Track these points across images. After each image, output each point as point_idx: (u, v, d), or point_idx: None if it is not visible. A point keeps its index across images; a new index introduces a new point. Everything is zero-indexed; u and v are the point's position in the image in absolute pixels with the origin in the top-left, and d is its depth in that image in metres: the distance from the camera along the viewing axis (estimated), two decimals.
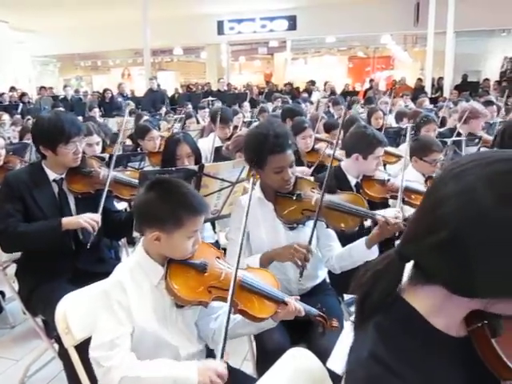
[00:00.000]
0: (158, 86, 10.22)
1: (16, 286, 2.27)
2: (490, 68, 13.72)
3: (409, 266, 0.78)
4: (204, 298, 1.41)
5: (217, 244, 2.71)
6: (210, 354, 1.57)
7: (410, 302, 0.76)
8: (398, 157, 3.53)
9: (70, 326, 1.52)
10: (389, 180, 2.51)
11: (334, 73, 15.78)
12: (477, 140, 3.88)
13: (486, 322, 0.74)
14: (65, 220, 2.04)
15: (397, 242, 0.81)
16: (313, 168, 3.30)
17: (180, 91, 13.70)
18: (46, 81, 16.15)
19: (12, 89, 12.14)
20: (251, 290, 1.47)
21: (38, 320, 2.25)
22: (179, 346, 1.44)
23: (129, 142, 4.93)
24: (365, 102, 7.54)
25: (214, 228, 2.96)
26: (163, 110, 8.55)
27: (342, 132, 3.50)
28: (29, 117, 6.78)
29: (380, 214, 1.88)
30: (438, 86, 12.23)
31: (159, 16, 12.23)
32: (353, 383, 0.74)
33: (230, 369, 1.54)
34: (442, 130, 4.40)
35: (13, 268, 2.41)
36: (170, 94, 12.13)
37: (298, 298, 1.54)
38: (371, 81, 13.15)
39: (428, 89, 11.47)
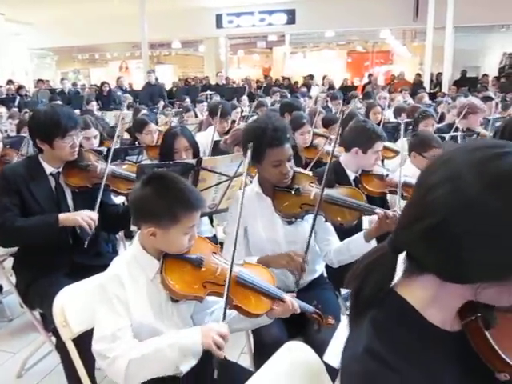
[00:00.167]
0: (156, 79, 10.18)
1: (13, 280, 2.27)
2: (488, 64, 13.71)
3: (402, 263, 0.78)
4: (199, 292, 1.41)
5: (214, 238, 2.70)
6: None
7: (403, 296, 0.76)
8: (396, 152, 3.53)
9: (68, 320, 1.52)
10: (387, 175, 2.51)
11: (332, 67, 15.75)
12: (475, 135, 3.88)
13: (479, 314, 0.75)
14: (62, 216, 2.02)
15: None
16: (311, 164, 3.29)
17: (178, 85, 13.66)
18: (43, 74, 16.08)
19: (9, 82, 12.08)
20: (247, 286, 1.47)
21: (35, 313, 2.26)
22: None
23: (126, 135, 4.91)
24: (363, 97, 7.53)
25: (211, 222, 2.96)
26: (161, 103, 8.53)
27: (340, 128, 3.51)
28: (26, 110, 6.74)
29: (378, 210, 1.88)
30: (436, 82, 12.23)
31: (157, 9, 12.18)
32: (348, 378, 0.75)
33: (228, 362, 1.55)
34: (440, 125, 4.40)
35: (10, 261, 2.40)
36: (167, 87, 12.09)
37: (295, 295, 1.54)
38: (370, 75, 13.14)
39: (427, 84, 11.47)
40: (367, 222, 2.11)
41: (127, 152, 3.28)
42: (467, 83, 11.03)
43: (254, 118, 4.21)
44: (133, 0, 11.11)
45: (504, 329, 0.77)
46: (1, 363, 2.51)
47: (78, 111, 6.30)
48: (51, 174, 2.14)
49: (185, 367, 1.42)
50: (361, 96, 7.78)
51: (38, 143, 2.10)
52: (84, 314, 1.53)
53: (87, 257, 2.16)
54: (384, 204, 2.51)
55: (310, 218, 1.92)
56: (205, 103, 7.09)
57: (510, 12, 10.82)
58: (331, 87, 11.38)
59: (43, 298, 1.96)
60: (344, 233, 1.98)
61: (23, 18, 14.53)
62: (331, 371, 1.18)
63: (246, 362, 2.08)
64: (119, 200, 3.10)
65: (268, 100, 7.26)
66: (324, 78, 12.27)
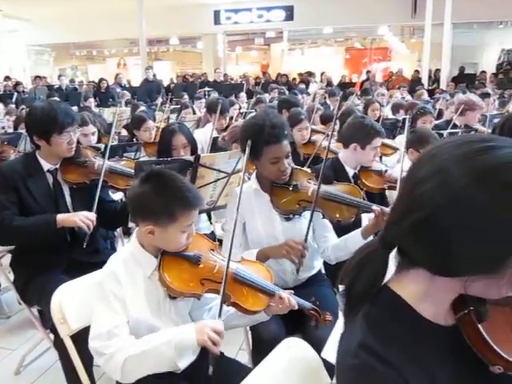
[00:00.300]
0: (154, 76, 10.14)
1: (11, 277, 2.27)
2: (486, 60, 13.71)
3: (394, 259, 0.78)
4: (197, 290, 1.41)
5: (213, 235, 2.70)
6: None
7: (396, 291, 0.77)
8: (395, 149, 3.53)
9: (66, 316, 1.52)
10: (386, 171, 2.51)
11: (330, 64, 15.74)
12: (473, 132, 3.88)
13: (471, 308, 0.76)
14: (60, 217, 2.02)
15: None
16: (310, 160, 3.29)
17: (176, 81, 13.63)
18: (40, 70, 16.01)
19: (6, 78, 12.04)
20: (244, 283, 1.47)
21: (33, 310, 2.25)
22: None
23: (124, 132, 4.90)
24: (361, 94, 7.53)
25: (209, 219, 2.96)
26: (159, 100, 8.51)
27: (337, 124, 3.51)
28: (23, 106, 6.71)
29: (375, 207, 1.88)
30: (434, 78, 12.22)
31: (155, 5, 12.13)
32: (343, 373, 0.75)
33: (226, 358, 1.55)
34: (438, 122, 4.40)
35: (8, 258, 2.40)
36: (165, 84, 12.05)
37: (292, 292, 1.54)
38: (368, 72, 13.12)
39: (425, 81, 11.46)
40: (367, 219, 2.11)
41: (125, 149, 3.27)
42: (465, 80, 11.03)
43: (253, 114, 4.21)
44: None
45: (496, 322, 0.78)
46: None
47: (75, 108, 6.29)
48: (49, 170, 2.13)
49: (183, 363, 1.42)
50: (359, 93, 7.78)
51: (35, 139, 2.10)
52: (82, 311, 1.52)
53: (85, 254, 2.15)
54: (383, 200, 2.51)
55: (308, 214, 1.92)
56: (203, 100, 7.07)
57: (508, 8, 10.82)
58: (329, 84, 11.37)
59: (41, 294, 1.95)
60: (342, 230, 1.98)
61: (21, 14, 14.46)
62: (329, 367, 1.18)
63: (244, 358, 2.08)
64: (117, 196, 3.09)
65: (266, 97, 7.25)
66: (322, 74, 12.25)
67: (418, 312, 0.75)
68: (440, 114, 5.15)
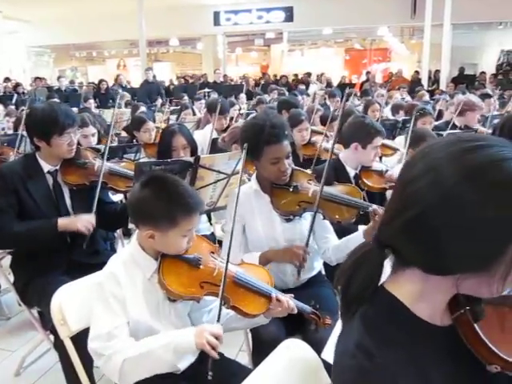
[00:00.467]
0: (154, 77, 10.15)
1: (11, 278, 2.27)
2: (486, 61, 13.71)
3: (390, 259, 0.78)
4: (196, 293, 1.40)
5: (212, 236, 2.70)
6: None
7: (392, 292, 0.77)
8: (395, 149, 3.53)
9: (66, 318, 1.52)
10: (387, 171, 2.52)
11: (330, 65, 15.75)
12: (473, 133, 3.88)
13: (468, 308, 0.76)
14: (61, 222, 2.02)
15: None
16: (313, 164, 3.28)
17: (175, 82, 13.63)
18: (40, 71, 16.02)
19: (6, 79, 12.04)
20: (244, 287, 1.47)
21: (33, 311, 2.25)
22: None
23: (124, 133, 4.90)
24: (361, 95, 7.53)
25: (209, 220, 2.96)
26: (159, 101, 8.51)
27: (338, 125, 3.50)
28: (23, 108, 6.70)
29: (375, 207, 1.89)
30: (434, 79, 12.22)
31: (155, 6, 12.14)
32: (340, 374, 0.75)
33: (226, 359, 1.55)
34: (437, 122, 4.40)
35: (8, 259, 2.40)
36: (165, 85, 12.06)
37: (292, 295, 1.54)
38: (368, 73, 13.14)
39: (424, 81, 11.47)
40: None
41: (125, 150, 3.28)
42: (465, 80, 11.04)
43: (253, 115, 4.21)
44: None
45: (492, 321, 0.79)
46: None
47: (75, 109, 6.28)
48: (49, 171, 2.13)
49: (183, 364, 1.42)
50: (359, 93, 7.78)
51: (35, 141, 2.10)
52: (82, 312, 1.52)
53: (85, 255, 2.15)
54: (383, 200, 2.51)
55: (307, 215, 1.92)
56: (203, 101, 7.07)
57: (507, 9, 10.83)
58: (329, 84, 11.37)
59: (41, 296, 1.95)
60: (342, 230, 1.98)
61: (21, 16, 14.47)
62: (329, 368, 1.17)
63: (244, 359, 2.08)
64: (117, 198, 3.10)
65: (266, 97, 7.25)
66: (321, 75, 12.26)
67: (413, 313, 0.75)
68: (440, 115, 5.15)
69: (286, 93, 7.91)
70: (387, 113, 5.45)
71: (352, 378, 0.71)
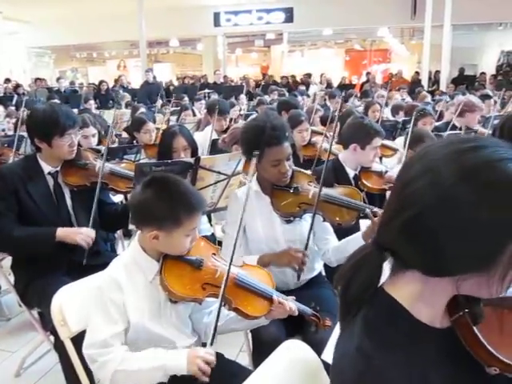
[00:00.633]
0: (154, 78, 10.15)
1: (12, 279, 2.27)
2: (486, 62, 13.72)
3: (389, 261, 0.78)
4: (198, 294, 1.41)
5: (212, 237, 2.71)
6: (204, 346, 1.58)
7: (391, 294, 0.77)
8: (395, 150, 3.53)
9: (66, 319, 1.52)
10: (386, 172, 2.52)
11: (330, 65, 15.75)
12: (473, 133, 3.88)
13: (467, 310, 0.76)
14: (60, 232, 2.02)
15: None
16: (314, 164, 3.28)
17: (175, 83, 13.63)
18: (41, 72, 16.04)
19: (6, 80, 12.04)
20: (245, 288, 1.47)
21: (33, 312, 2.25)
22: (175, 340, 1.45)
23: (125, 134, 4.90)
24: (361, 95, 7.53)
25: (209, 221, 2.96)
26: (159, 102, 8.51)
27: (338, 125, 3.50)
28: (23, 108, 6.71)
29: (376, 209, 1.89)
30: (434, 80, 12.23)
31: (155, 7, 12.14)
32: (340, 376, 0.75)
33: (226, 360, 1.55)
34: (437, 123, 4.40)
35: (8, 260, 2.40)
36: (165, 86, 12.06)
37: (294, 297, 1.54)
38: (368, 74, 13.13)
39: (425, 82, 11.47)
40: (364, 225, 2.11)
41: (125, 151, 3.27)
42: (465, 81, 11.05)
43: (253, 116, 4.21)
44: None
45: (492, 323, 0.79)
46: None
47: (76, 110, 6.29)
48: (49, 173, 2.13)
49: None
50: (359, 94, 7.78)
51: (36, 142, 2.10)
52: (82, 313, 1.52)
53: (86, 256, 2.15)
54: (383, 201, 2.51)
55: (308, 216, 1.92)
56: (203, 101, 7.08)
57: (507, 10, 10.83)
58: (329, 85, 11.38)
59: (41, 297, 1.95)
60: (342, 232, 1.99)
61: (21, 17, 14.48)
62: (329, 369, 1.18)
63: (244, 360, 2.08)
64: (118, 199, 3.10)
65: (266, 98, 7.25)
66: (321, 76, 12.26)
67: (413, 315, 0.75)
68: (440, 116, 5.15)
69: (286, 94, 7.91)
70: (387, 113, 5.45)
71: (351, 380, 0.71)
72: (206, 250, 1.51)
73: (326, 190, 1.93)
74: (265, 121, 1.83)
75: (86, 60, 18.95)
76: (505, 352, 0.75)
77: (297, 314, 1.50)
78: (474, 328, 0.76)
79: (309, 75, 12.90)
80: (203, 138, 3.69)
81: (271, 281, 1.56)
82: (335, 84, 12.05)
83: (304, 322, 1.70)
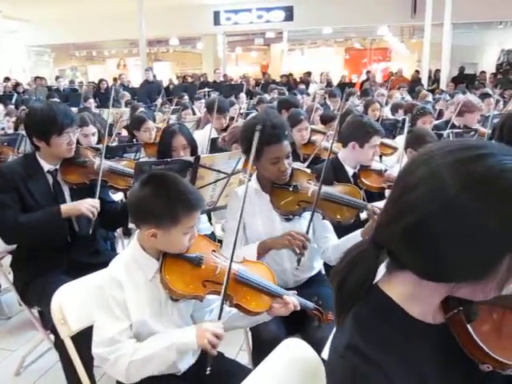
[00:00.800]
0: (154, 76, 10.14)
1: (11, 278, 2.27)
2: (486, 60, 13.70)
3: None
4: (199, 292, 1.40)
5: (212, 236, 2.71)
6: None
7: (385, 291, 0.77)
8: (394, 148, 3.53)
9: (66, 317, 1.52)
10: (386, 170, 2.51)
11: (330, 64, 15.73)
12: (472, 132, 3.88)
13: (461, 308, 0.76)
14: (65, 207, 2.02)
15: None
16: (309, 161, 3.29)
17: (175, 82, 13.62)
18: (40, 71, 16.02)
19: (6, 79, 12.04)
20: (247, 284, 1.47)
21: (33, 311, 2.26)
22: None
23: (125, 132, 4.90)
24: (361, 94, 7.52)
25: (209, 220, 2.96)
26: (159, 101, 8.51)
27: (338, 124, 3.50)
28: (23, 107, 6.71)
29: (376, 205, 1.89)
30: (434, 78, 12.22)
31: (155, 6, 12.13)
32: (331, 373, 0.76)
33: (226, 359, 1.56)
34: (437, 122, 4.40)
35: (8, 259, 2.40)
36: (165, 84, 12.06)
37: (296, 292, 1.54)
38: (368, 72, 13.11)
39: (425, 81, 11.47)
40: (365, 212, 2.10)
41: (125, 149, 3.27)
42: (465, 80, 11.04)
43: (253, 114, 4.21)
44: None
45: (485, 321, 0.79)
46: None
47: (75, 109, 6.29)
48: (49, 171, 2.13)
49: (183, 366, 1.43)
50: (359, 93, 7.77)
51: (34, 141, 2.10)
52: (82, 312, 1.53)
53: (85, 254, 2.15)
54: (383, 199, 2.51)
55: (307, 215, 1.92)
56: (203, 100, 7.08)
57: (507, 8, 10.82)
58: (329, 84, 11.37)
59: (41, 295, 1.95)
60: (342, 230, 1.98)
61: (20, 15, 14.46)
62: None
63: (244, 359, 2.08)
64: (118, 197, 3.09)
65: (266, 97, 7.25)
66: (321, 74, 12.25)
67: (407, 311, 0.75)
68: (440, 115, 5.14)
69: (286, 92, 7.91)
70: (387, 112, 5.45)
71: (341, 378, 0.71)
72: (205, 247, 1.50)
73: (325, 188, 1.93)
74: (264, 119, 1.82)
75: (85, 59, 18.93)
76: (498, 350, 0.75)
77: (299, 308, 1.50)
78: (468, 326, 0.76)
79: (309, 74, 12.89)
80: (203, 137, 3.69)
81: (272, 276, 1.55)
82: (335, 83, 12.03)
83: (304, 319, 1.70)
